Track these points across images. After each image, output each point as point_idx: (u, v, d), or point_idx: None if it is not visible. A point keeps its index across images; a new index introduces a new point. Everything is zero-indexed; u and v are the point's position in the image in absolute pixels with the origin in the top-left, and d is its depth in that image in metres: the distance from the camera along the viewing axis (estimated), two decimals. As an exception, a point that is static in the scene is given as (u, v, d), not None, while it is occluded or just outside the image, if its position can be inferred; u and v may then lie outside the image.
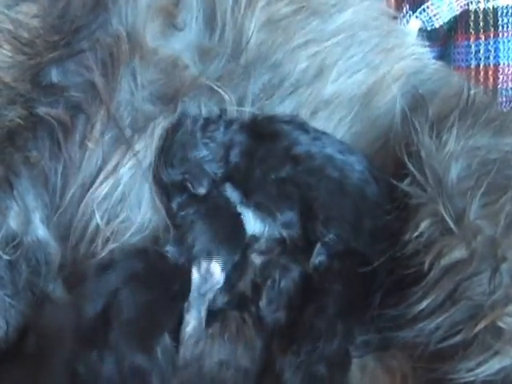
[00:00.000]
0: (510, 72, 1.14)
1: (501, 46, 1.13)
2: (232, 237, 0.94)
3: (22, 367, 0.86)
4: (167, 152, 0.93)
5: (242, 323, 0.90)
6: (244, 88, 0.95)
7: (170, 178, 0.93)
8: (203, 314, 0.89)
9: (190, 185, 0.92)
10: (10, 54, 0.85)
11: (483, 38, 1.15)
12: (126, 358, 0.82)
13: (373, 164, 0.93)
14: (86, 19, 0.90)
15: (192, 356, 0.87)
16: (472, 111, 0.91)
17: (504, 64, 1.14)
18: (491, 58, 1.14)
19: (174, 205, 0.93)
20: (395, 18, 1.12)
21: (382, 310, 0.84)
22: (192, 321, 0.89)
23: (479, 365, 0.77)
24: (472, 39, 1.15)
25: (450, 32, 1.18)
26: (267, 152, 0.93)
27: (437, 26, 1.17)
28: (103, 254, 0.92)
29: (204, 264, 0.90)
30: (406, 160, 0.86)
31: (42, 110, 0.89)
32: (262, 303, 0.90)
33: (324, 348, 0.85)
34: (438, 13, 1.16)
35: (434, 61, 1.07)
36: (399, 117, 0.94)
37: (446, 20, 1.17)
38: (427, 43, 1.09)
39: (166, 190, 0.93)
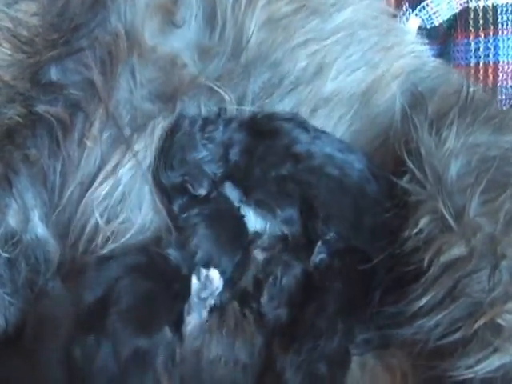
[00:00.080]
0: (509, 70, 1.14)
1: (500, 44, 1.13)
2: (235, 239, 0.94)
3: (19, 353, 0.86)
4: (166, 154, 0.93)
5: (242, 318, 0.90)
6: (244, 87, 0.95)
7: (170, 180, 0.93)
8: (204, 316, 0.89)
9: (190, 186, 0.92)
10: (9, 53, 0.85)
11: (483, 36, 1.15)
12: (124, 343, 0.83)
13: (372, 162, 0.94)
14: (85, 17, 0.90)
15: (190, 350, 0.87)
16: (471, 109, 0.91)
17: (504, 62, 1.13)
18: (491, 55, 1.14)
19: (176, 207, 0.93)
20: (395, 16, 1.12)
21: (381, 308, 0.84)
22: (192, 321, 0.89)
23: (479, 362, 0.77)
24: (472, 37, 1.15)
25: (450, 30, 1.18)
26: (267, 150, 0.93)
27: (436, 24, 1.17)
28: (103, 254, 0.92)
29: (203, 271, 0.89)
30: (406, 157, 0.86)
31: (41, 108, 0.89)
32: (264, 299, 0.90)
33: (325, 346, 0.85)
34: (437, 11, 1.16)
35: (433, 58, 1.07)
36: (399, 114, 0.94)
37: (445, 18, 1.17)
38: (427, 41, 1.09)
39: (166, 192, 0.93)
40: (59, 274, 0.93)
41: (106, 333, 0.83)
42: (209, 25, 0.95)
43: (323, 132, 0.94)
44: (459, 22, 1.16)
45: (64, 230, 0.93)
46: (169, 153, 0.92)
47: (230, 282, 0.92)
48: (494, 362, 0.77)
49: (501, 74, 1.14)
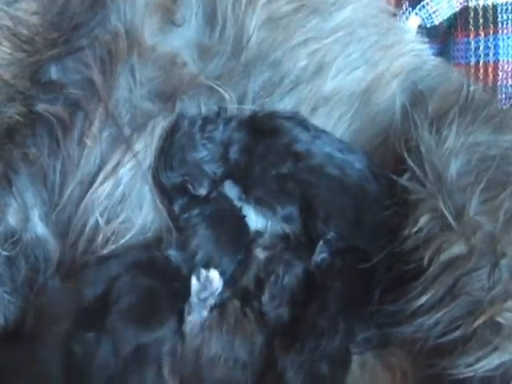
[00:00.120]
0: (509, 69, 1.13)
1: (500, 43, 1.13)
2: (236, 239, 0.94)
3: (18, 349, 0.86)
4: (166, 154, 0.93)
5: (242, 316, 0.90)
6: (244, 86, 0.95)
7: (170, 180, 0.93)
8: (204, 315, 0.89)
9: (190, 186, 0.92)
10: (9, 51, 0.85)
11: (483, 35, 1.15)
12: (125, 341, 0.83)
13: (372, 161, 0.94)
14: (85, 16, 0.90)
15: (190, 348, 0.87)
16: (472, 108, 0.91)
17: (503, 61, 1.13)
18: (491, 54, 1.14)
19: (176, 207, 0.93)
20: (394, 15, 1.12)
21: (381, 306, 0.84)
22: (193, 320, 0.89)
23: (478, 360, 0.77)
24: (471, 36, 1.15)
25: (450, 29, 1.18)
26: (267, 148, 0.93)
27: (436, 23, 1.17)
28: (104, 254, 0.92)
29: (203, 272, 0.89)
30: (406, 155, 0.86)
31: (41, 107, 0.89)
32: (265, 298, 0.90)
33: (326, 346, 0.86)
34: (437, 10, 1.16)
35: (433, 57, 1.07)
36: (399, 113, 0.95)
37: (445, 17, 1.17)
38: (427, 40, 1.09)
39: (166, 192, 0.93)
40: (59, 272, 0.93)
41: (107, 331, 0.83)
42: (209, 24, 0.95)
43: (323, 131, 0.94)
44: (459, 21, 1.16)
45: (64, 229, 0.93)
46: (168, 153, 0.92)
47: (231, 281, 0.92)
48: (493, 361, 0.77)
49: (501, 73, 1.14)
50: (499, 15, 1.14)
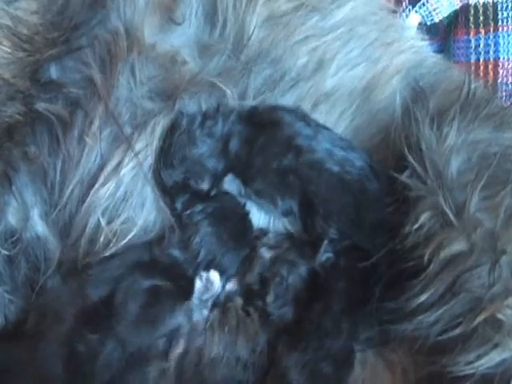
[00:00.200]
0: (509, 66, 1.13)
1: (501, 41, 1.13)
2: (239, 236, 0.94)
3: (21, 343, 0.87)
4: (166, 153, 0.93)
5: (245, 316, 0.90)
6: (244, 84, 0.95)
7: (172, 178, 0.93)
8: (206, 315, 0.89)
9: (192, 181, 0.92)
10: (9, 51, 0.85)
11: (483, 33, 1.14)
12: (128, 342, 0.84)
13: (373, 158, 0.93)
14: (85, 16, 0.90)
15: (192, 348, 0.87)
16: (473, 105, 0.91)
17: (504, 58, 1.13)
18: (491, 52, 1.14)
19: (179, 205, 0.93)
20: (394, 12, 1.12)
21: (381, 303, 0.84)
22: (194, 320, 0.89)
23: (479, 357, 0.77)
24: (472, 34, 1.15)
25: (450, 26, 1.18)
26: (268, 140, 0.93)
27: (436, 20, 1.17)
28: (106, 255, 0.92)
29: (204, 274, 0.90)
30: (406, 152, 0.86)
31: (41, 106, 0.89)
32: (270, 299, 0.90)
33: (330, 346, 0.86)
34: (437, 7, 1.16)
35: (433, 54, 1.07)
36: (399, 110, 0.95)
37: (445, 14, 1.17)
38: (427, 37, 1.10)
39: (168, 191, 0.93)
40: (60, 273, 0.93)
41: (111, 333, 0.84)
42: (209, 22, 0.95)
43: (325, 127, 0.94)
44: (459, 19, 1.16)
45: (64, 228, 0.93)
46: (169, 151, 0.92)
47: (234, 279, 0.93)
48: (494, 358, 0.76)
49: (501, 71, 1.13)
50: (499, 12, 1.13)
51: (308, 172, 0.91)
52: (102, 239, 0.92)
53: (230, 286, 0.92)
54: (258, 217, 0.96)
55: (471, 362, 0.77)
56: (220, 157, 0.93)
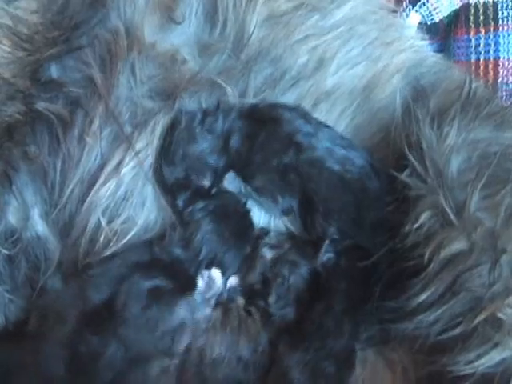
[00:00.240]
0: (510, 66, 1.13)
1: (501, 40, 1.13)
2: (240, 234, 0.94)
3: (22, 345, 0.86)
4: (167, 151, 0.93)
5: (246, 316, 0.90)
6: (245, 83, 0.95)
7: (173, 176, 0.92)
8: (208, 313, 0.89)
9: (194, 177, 0.92)
10: (9, 50, 0.85)
11: (483, 32, 1.15)
12: (131, 345, 0.84)
13: (373, 157, 0.93)
14: (85, 15, 0.90)
15: (194, 348, 0.87)
16: (473, 104, 0.91)
17: (504, 58, 1.13)
18: (491, 51, 1.14)
19: (180, 202, 0.93)
20: (394, 11, 1.12)
21: (381, 302, 0.84)
22: (197, 319, 0.89)
23: (479, 357, 0.76)
24: (472, 33, 1.15)
25: (450, 26, 1.18)
26: (269, 137, 0.93)
27: (437, 20, 1.17)
28: (106, 254, 0.92)
29: (205, 272, 0.90)
30: (407, 151, 0.86)
31: (41, 106, 0.89)
32: (272, 299, 0.90)
33: (332, 346, 0.86)
34: (438, 7, 1.16)
35: (432, 53, 1.08)
36: (400, 109, 0.95)
37: (445, 14, 1.17)
38: (427, 37, 1.10)
39: (170, 189, 0.93)
40: (60, 273, 0.93)
41: (113, 335, 0.84)
42: (209, 21, 0.95)
43: (326, 126, 0.94)
44: (459, 18, 1.16)
45: (65, 228, 0.93)
46: (169, 149, 0.92)
47: (235, 277, 0.92)
48: (494, 357, 0.76)
49: (501, 70, 1.13)
50: (500, 12, 1.14)
51: (308, 170, 0.91)
52: (102, 239, 0.92)
53: (232, 283, 0.92)
54: (259, 216, 0.96)
55: (471, 362, 0.77)
56: (221, 153, 0.93)
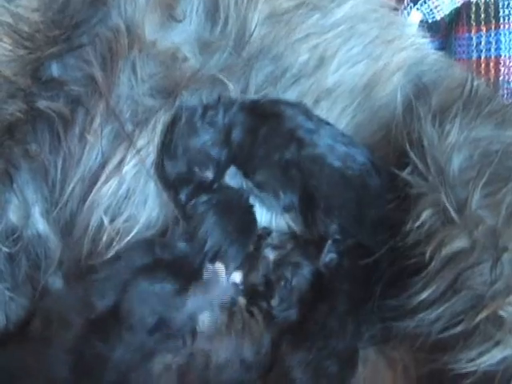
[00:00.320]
0: (511, 64, 1.13)
1: (502, 38, 1.13)
2: (243, 228, 0.93)
3: (26, 348, 0.86)
4: (168, 146, 0.92)
5: (249, 317, 0.90)
6: (246, 80, 0.95)
7: (175, 170, 0.92)
8: (216, 314, 0.90)
9: (196, 169, 0.92)
10: (10, 48, 0.85)
11: (484, 30, 1.14)
12: (138, 350, 0.84)
13: (374, 155, 0.93)
14: (86, 14, 0.90)
15: (200, 352, 0.87)
16: (475, 103, 0.91)
17: (505, 56, 1.13)
18: (492, 50, 1.14)
19: (183, 197, 0.92)
20: (395, 9, 1.12)
21: (383, 301, 0.84)
22: (205, 320, 0.89)
23: (480, 355, 0.76)
24: (473, 31, 1.15)
25: (451, 24, 1.18)
26: (271, 131, 0.93)
27: (438, 18, 1.17)
28: (109, 255, 0.92)
29: (211, 267, 0.90)
30: (408, 148, 0.86)
31: (42, 104, 0.89)
32: (274, 302, 0.90)
33: (335, 346, 0.86)
34: (439, 5, 1.16)
35: (434, 51, 1.07)
36: (401, 107, 0.95)
37: (447, 12, 1.17)
38: (428, 35, 1.10)
39: (172, 184, 0.93)
40: (63, 274, 0.93)
41: (119, 340, 0.84)
42: (210, 19, 0.95)
43: (327, 123, 0.94)
44: (461, 16, 1.16)
45: (66, 226, 0.93)
46: (170, 144, 0.92)
47: (238, 273, 0.92)
48: (496, 355, 0.76)
49: (502, 69, 1.13)
50: (501, 10, 1.13)
51: (309, 166, 0.91)
52: (105, 238, 0.92)
53: (235, 280, 0.92)
54: (261, 214, 0.96)
55: (473, 360, 0.77)
56: (223, 146, 0.93)
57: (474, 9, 1.15)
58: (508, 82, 1.13)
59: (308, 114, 0.93)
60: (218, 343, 0.87)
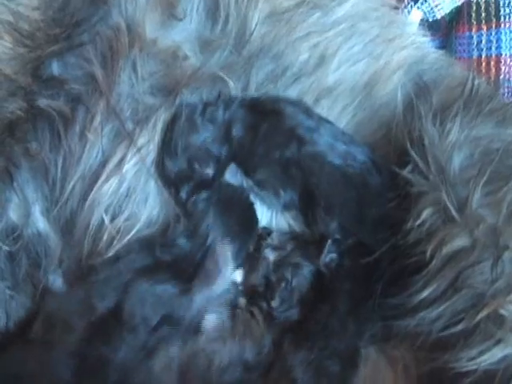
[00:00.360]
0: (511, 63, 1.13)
1: (503, 37, 1.13)
2: (245, 225, 0.93)
3: (28, 351, 0.86)
4: (169, 143, 0.92)
5: (250, 318, 0.90)
6: (246, 79, 0.95)
7: (176, 167, 0.92)
8: (224, 315, 0.90)
9: (197, 166, 0.92)
10: (10, 46, 0.86)
11: (485, 29, 1.14)
12: (141, 350, 0.84)
13: (375, 154, 0.93)
14: (86, 12, 0.91)
15: (203, 352, 0.87)
16: (476, 101, 0.91)
17: (506, 55, 1.13)
18: (493, 48, 1.14)
19: (183, 194, 0.92)
20: (396, 8, 1.12)
21: (383, 299, 0.83)
22: (211, 320, 0.89)
23: (481, 353, 0.76)
24: (474, 30, 1.15)
25: (452, 23, 1.18)
26: (272, 128, 0.92)
27: (438, 16, 1.17)
28: (110, 254, 0.92)
29: (218, 247, 0.90)
30: (409, 147, 0.86)
31: (42, 102, 0.89)
32: (275, 304, 0.90)
33: (337, 346, 0.86)
34: (439, 3, 1.16)
35: (434, 50, 1.07)
36: (401, 106, 0.95)
37: (447, 11, 1.17)
38: (428, 33, 1.10)
39: (173, 182, 0.93)
40: (62, 271, 0.93)
41: (122, 341, 0.84)
42: (211, 17, 0.95)
43: (327, 121, 0.94)
44: (461, 15, 1.16)
45: (66, 225, 0.93)
46: (170, 142, 0.92)
47: (240, 270, 0.92)
48: (496, 354, 0.76)
49: (503, 67, 1.13)
50: (501, 9, 1.13)
51: (310, 164, 0.91)
52: (105, 237, 0.92)
53: (235, 279, 0.92)
54: (261, 213, 0.96)
55: (473, 358, 0.77)
56: (223, 143, 0.93)
57: (474, 7, 1.15)
58: (509, 81, 1.13)
59: (308, 112, 0.93)
60: (221, 345, 0.87)
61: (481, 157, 0.85)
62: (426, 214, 0.82)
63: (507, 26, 1.13)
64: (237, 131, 0.93)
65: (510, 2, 1.13)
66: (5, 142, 0.88)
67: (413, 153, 0.85)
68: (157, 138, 0.92)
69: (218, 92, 0.94)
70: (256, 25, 0.95)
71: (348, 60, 0.98)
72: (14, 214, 0.90)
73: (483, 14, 1.14)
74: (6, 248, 0.89)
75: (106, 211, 0.92)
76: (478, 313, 0.76)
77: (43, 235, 0.92)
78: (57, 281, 0.91)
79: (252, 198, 0.95)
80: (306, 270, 0.92)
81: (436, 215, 0.82)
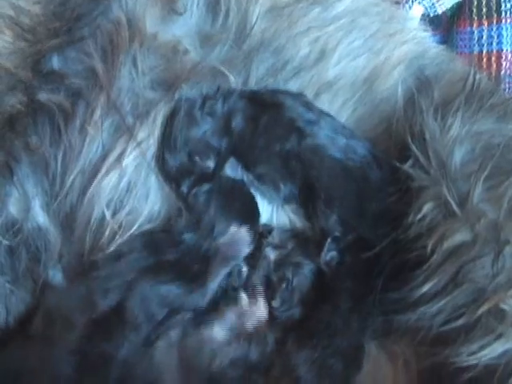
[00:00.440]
0: (512, 58, 1.14)
1: (504, 32, 1.13)
2: (247, 216, 0.93)
3: (28, 348, 0.86)
4: (169, 137, 0.92)
5: None
6: (247, 73, 0.95)
7: (176, 162, 0.92)
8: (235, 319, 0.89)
9: (197, 159, 0.92)
10: (11, 40, 0.86)
11: (486, 24, 1.14)
12: (141, 351, 0.84)
13: (376, 148, 0.93)
14: (87, 6, 0.90)
15: (205, 353, 0.87)
16: (477, 96, 0.91)
17: (507, 50, 1.13)
18: (494, 44, 1.14)
19: (184, 188, 0.92)
20: (397, 3, 1.12)
21: (384, 294, 0.83)
22: (222, 329, 0.89)
23: (482, 348, 0.76)
24: (475, 25, 1.15)
25: (453, 18, 1.18)
26: (272, 120, 0.92)
27: (439, 12, 1.17)
28: (111, 249, 0.92)
29: (232, 229, 0.90)
30: (410, 141, 0.86)
31: (42, 97, 0.89)
32: (276, 304, 0.90)
33: (340, 344, 0.86)
34: (440, -1, 1.16)
35: (435, 44, 1.07)
36: (402, 101, 0.95)
37: (448, 6, 1.17)
38: (429, 28, 1.10)
39: (173, 176, 0.92)
40: (62, 266, 0.93)
41: (124, 339, 0.84)
42: (211, 12, 0.95)
43: (328, 115, 0.94)
44: (462, 11, 1.17)
45: (66, 219, 0.93)
46: (170, 136, 0.92)
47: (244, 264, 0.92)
48: (497, 348, 0.76)
49: (504, 63, 1.13)
50: (502, 4, 1.13)
51: (310, 157, 0.91)
52: (107, 232, 0.92)
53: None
54: (261, 207, 0.95)
55: (474, 353, 0.77)
56: (223, 135, 0.93)
57: (475, 3, 1.15)
58: (510, 76, 1.13)
59: (308, 105, 0.93)
60: (227, 344, 0.87)
61: (482, 152, 0.85)
62: (426, 208, 0.82)
63: (508, 21, 1.13)
64: (237, 123, 0.92)
65: (511, -2, 1.13)
66: (5, 136, 0.87)
67: (414, 147, 0.85)
68: (157, 132, 0.92)
69: (218, 86, 0.94)
70: (256, 19, 0.95)
71: (348, 55, 0.98)
72: (13, 209, 0.90)
73: (484, 10, 1.14)
74: (5, 242, 0.89)
75: (107, 206, 0.92)
76: (479, 307, 0.76)
77: (43, 229, 0.92)
78: (57, 276, 0.91)
79: (252, 192, 0.95)
80: (307, 268, 0.91)
81: (437, 210, 0.82)
